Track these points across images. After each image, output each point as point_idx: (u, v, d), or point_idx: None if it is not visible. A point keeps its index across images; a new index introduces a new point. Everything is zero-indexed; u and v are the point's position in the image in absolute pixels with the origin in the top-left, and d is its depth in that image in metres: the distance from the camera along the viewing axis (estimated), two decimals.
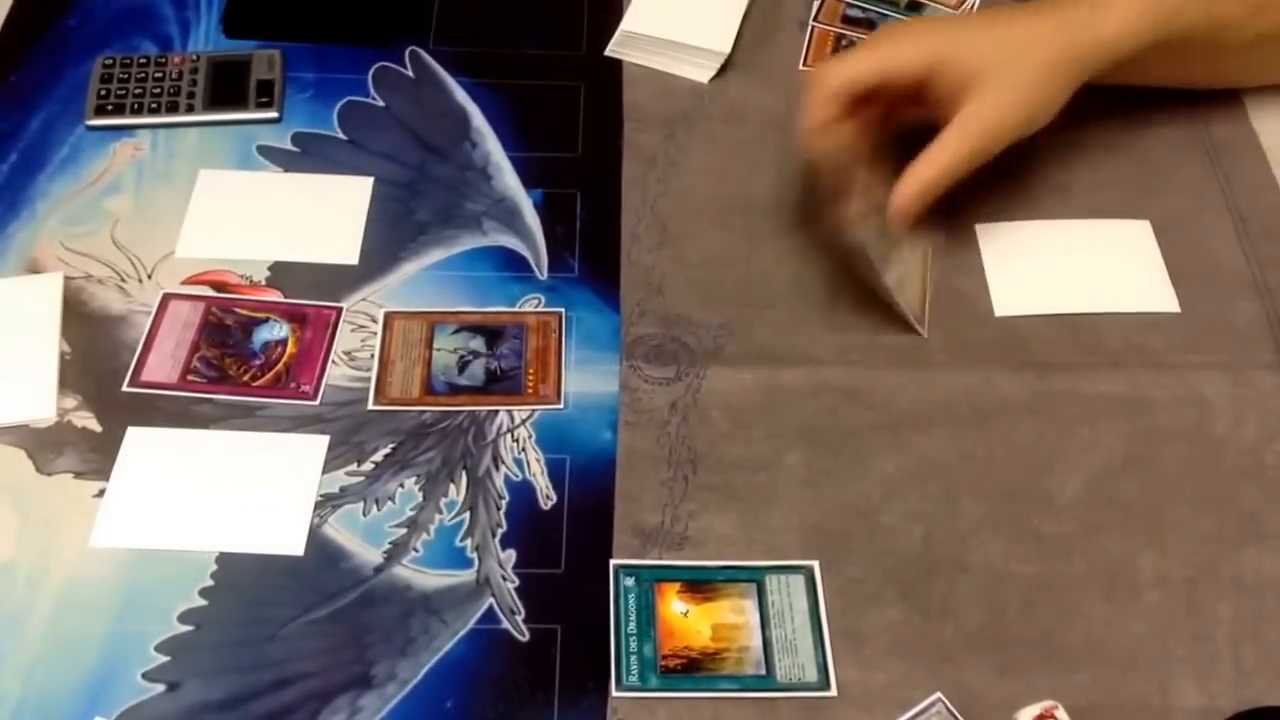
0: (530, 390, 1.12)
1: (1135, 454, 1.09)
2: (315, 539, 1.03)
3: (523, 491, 1.06)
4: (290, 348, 1.14)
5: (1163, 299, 1.19)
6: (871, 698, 0.96)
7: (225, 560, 1.01)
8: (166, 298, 1.17)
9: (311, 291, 1.18)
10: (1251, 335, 1.17)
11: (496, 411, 1.11)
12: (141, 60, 1.34)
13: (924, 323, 1.17)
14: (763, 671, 0.97)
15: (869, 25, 1.43)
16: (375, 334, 1.15)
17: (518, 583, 1.01)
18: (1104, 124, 1.33)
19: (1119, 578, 1.02)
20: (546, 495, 1.06)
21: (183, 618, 0.98)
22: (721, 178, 1.29)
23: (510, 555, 1.03)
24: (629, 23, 1.40)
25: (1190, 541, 1.04)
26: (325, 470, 1.07)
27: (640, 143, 1.32)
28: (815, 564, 1.03)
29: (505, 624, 0.99)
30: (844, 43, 1.41)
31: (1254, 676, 0.97)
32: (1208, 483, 1.08)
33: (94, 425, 1.09)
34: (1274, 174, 1.29)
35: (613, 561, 1.02)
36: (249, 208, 1.24)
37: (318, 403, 1.11)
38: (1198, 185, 1.28)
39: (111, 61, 1.33)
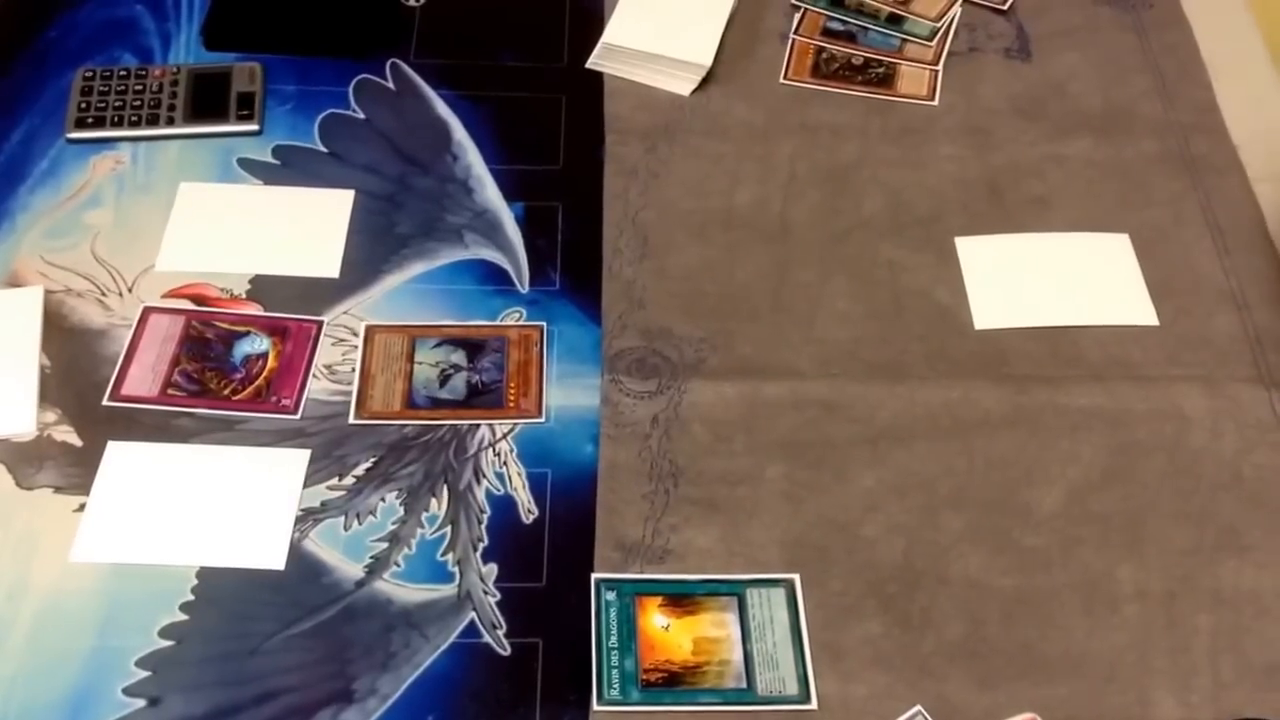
0: (511, 404, 1.12)
1: (1114, 466, 1.10)
2: (296, 553, 1.03)
3: (504, 505, 1.06)
4: (271, 361, 1.14)
5: (1142, 312, 1.20)
6: (852, 711, 0.96)
7: (206, 575, 1.01)
8: (147, 311, 1.16)
9: (292, 305, 1.18)
10: (1230, 349, 1.17)
11: (478, 425, 1.11)
12: (122, 73, 1.33)
13: None
14: (744, 685, 0.97)
15: (849, 38, 1.44)
16: (356, 347, 1.15)
17: (499, 597, 1.01)
18: (1083, 138, 1.34)
19: (1098, 590, 1.03)
20: (528, 509, 1.06)
21: (164, 632, 0.98)
22: (703, 190, 1.29)
23: (492, 569, 1.03)
24: (610, 35, 1.40)
25: (1169, 554, 1.05)
26: (306, 484, 1.07)
27: (621, 155, 1.32)
28: (796, 577, 1.03)
29: (487, 638, 0.99)
30: (824, 55, 1.42)
31: (1232, 689, 0.98)
32: (1186, 495, 1.08)
33: (74, 439, 1.08)
34: (1252, 188, 1.29)
35: (594, 575, 1.02)
36: (230, 221, 1.24)
37: (298, 416, 1.11)
38: (1177, 199, 1.29)
39: (92, 74, 1.33)
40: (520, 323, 1.18)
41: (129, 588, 1.00)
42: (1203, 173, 1.31)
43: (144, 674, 0.96)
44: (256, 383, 1.12)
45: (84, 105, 1.30)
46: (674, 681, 0.97)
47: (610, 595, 1.01)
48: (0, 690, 0.95)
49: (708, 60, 1.38)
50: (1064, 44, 1.44)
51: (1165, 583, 1.03)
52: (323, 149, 1.31)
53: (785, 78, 1.40)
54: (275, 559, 1.02)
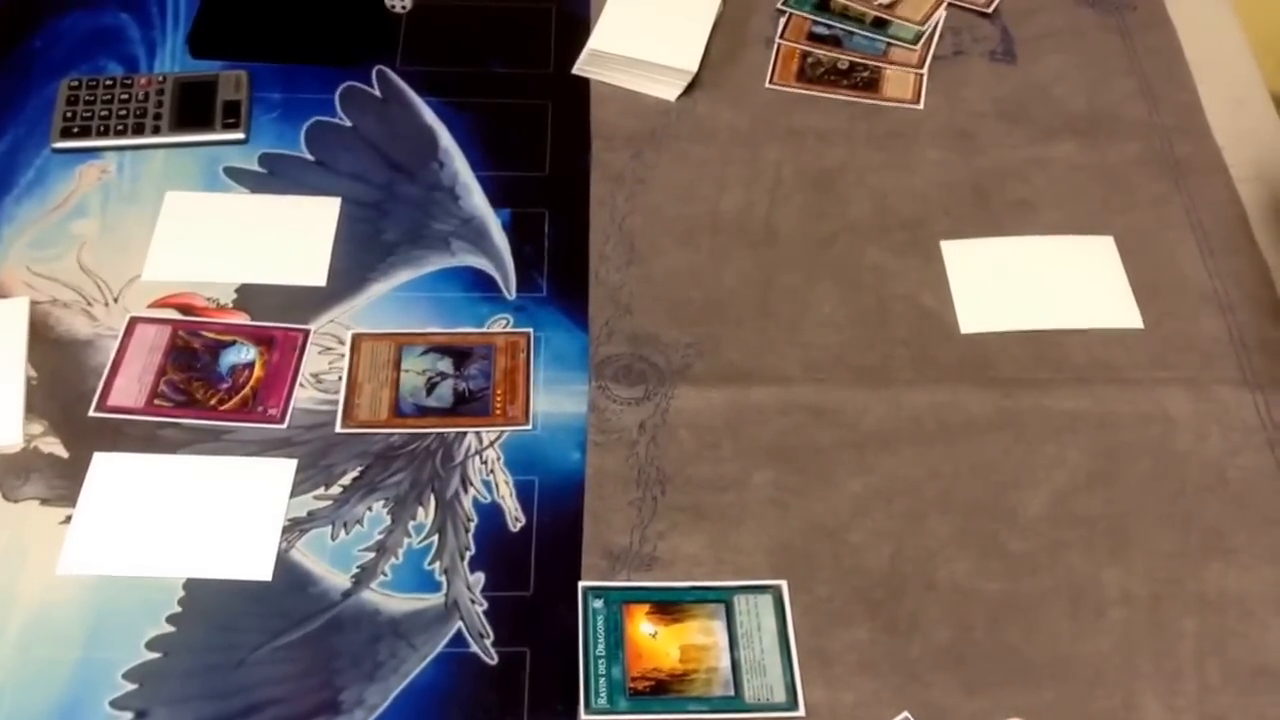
0: (499, 411, 1.12)
1: (1100, 470, 1.10)
2: (283, 564, 1.03)
3: (491, 513, 1.06)
4: (257, 371, 1.14)
5: (1127, 315, 1.20)
6: (840, 717, 0.96)
7: (193, 586, 1.01)
8: (133, 321, 1.16)
9: (279, 314, 1.18)
10: (1215, 351, 1.18)
11: (465, 433, 1.11)
12: (107, 82, 1.33)
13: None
14: (731, 692, 0.97)
15: (835, 42, 1.44)
16: (343, 356, 1.15)
17: (486, 605, 1.01)
18: (1067, 140, 1.34)
19: (1084, 594, 1.03)
20: (515, 517, 1.06)
21: (150, 645, 0.98)
22: (689, 196, 1.29)
23: (479, 578, 1.03)
24: (596, 41, 1.40)
25: (1154, 557, 1.05)
26: (293, 494, 1.07)
27: (608, 161, 1.32)
28: (783, 584, 1.03)
29: (474, 647, 0.99)
30: (810, 60, 1.42)
31: (1218, 693, 0.98)
32: (1172, 498, 1.09)
33: (60, 451, 1.08)
34: (1236, 190, 1.30)
35: (581, 583, 1.02)
36: (216, 230, 1.24)
37: (285, 426, 1.11)
38: (1161, 201, 1.29)
39: (77, 83, 1.33)
40: (507, 329, 1.18)
41: (116, 600, 1.00)
42: (1187, 174, 1.31)
43: (131, 686, 0.96)
44: (243, 392, 1.12)
45: (69, 115, 1.30)
46: (661, 690, 0.97)
47: (598, 603, 1.01)
48: None
49: (693, 65, 1.38)
50: (1048, 47, 1.44)
51: (1150, 586, 1.03)
52: (309, 157, 1.31)
53: (771, 82, 1.40)
54: (262, 570, 1.02)
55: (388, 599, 1.01)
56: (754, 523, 1.07)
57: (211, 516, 1.05)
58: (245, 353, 1.15)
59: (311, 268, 1.21)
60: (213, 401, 1.12)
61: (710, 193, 1.30)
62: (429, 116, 1.36)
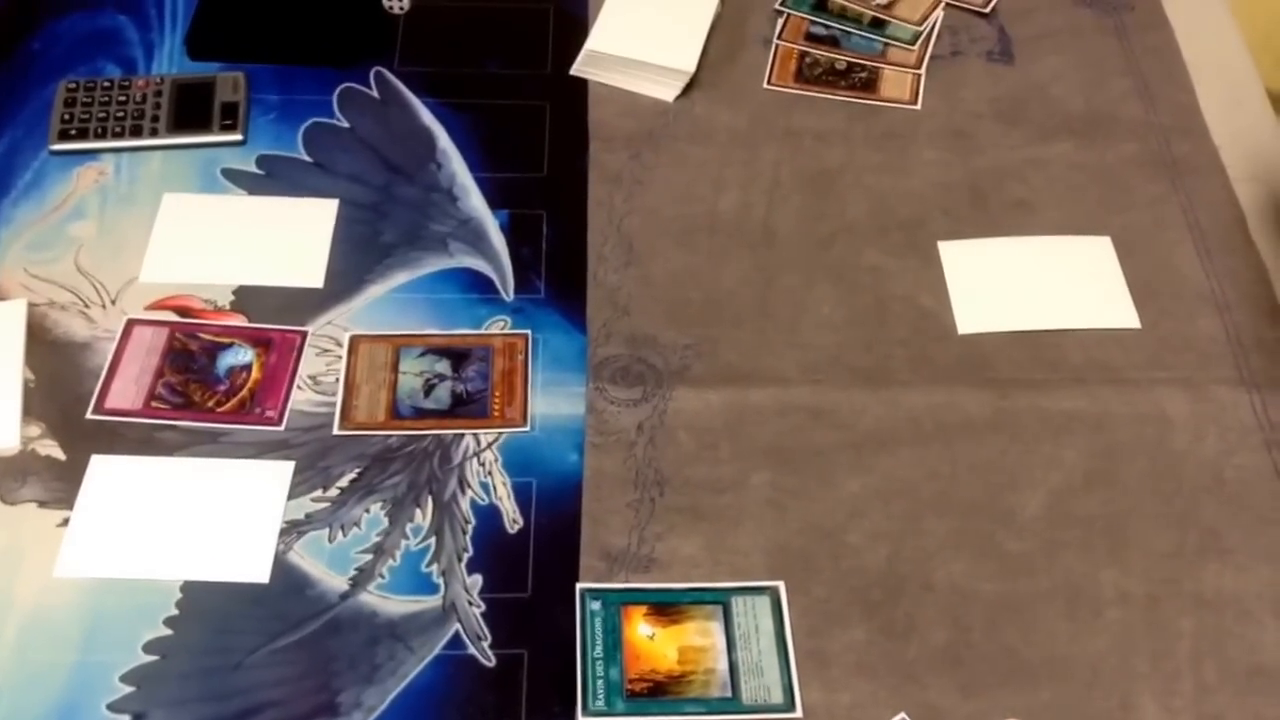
0: (496, 413, 1.12)
1: (1097, 470, 1.10)
2: (280, 566, 1.03)
3: (489, 515, 1.07)
4: (255, 373, 1.14)
5: (1124, 315, 1.20)
6: (837, 719, 0.96)
7: (190, 589, 1.01)
8: (130, 323, 1.16)
9: (276, 315, 1.18)
10: (1212, 351, 1.18)
11: (462, 435, 1.11)
12: (105, 84, 1.33)
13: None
14: (729, 694, 0.97)
15: (833, 43, 1.44)
16: (340, 358, 1.15)
17: (484, 608, 1.01)
18: (1065, 141, 1.34)
19: (1081, 594, 1.03)
20: (513, 519, 1.06)
21: (148, 647, 0.98)
22: (687, 196, 1.29)
23: (477, 580, 1.03)
24: (594, 42, 1.40)
25: (1151, 557, 1.05)
26: (290, 496, 1.07)
27: (606, 162, 1.32)
28: (781, 585, 1.03)
29: (472, 649, 0.99)
30: (807, 60, 1.42)
31: (1215, 693, 0.98)
32: (1168, 498, 1.09)
33: (58, 453, 1.08)
34: (1234, 190, 1.30)
35: (579, 585, 1.02)
36: (213, 231, 1.24)
37: (283, 428, 1.11)
38: (1158, 201, 1.29)
39: (75, 85, 1.33)
40: (505, 331, 1.18)
41: (113, 602, 1.00)
42: (1184, 174, 1.31)
43: (128, 689, 0.96)
44: (240, 394, 1.12)
45: (67, 117, 1.30)
46: (659, 691, 0.97)
47: (595, 605, 1.01)
48: None
49: (691, 66, 1.38)
50: (1046, 47, 1.44)
51: (1147, 586, 1.03)
52: (307, 158, 1.31)
53: (769, 83, 1.40)
54: (259, 572, 1.02)
55: (385, 601, 1.01)
56: (752, 524, 1.07)
57: (209, 519, 1.05)
58: (243, 354, 1.15)
59: (309, 269, 1.21)
60: (210, 403, 1.12)
61: (708, 193, 1.30)
62: (427, 117, 1.36)
